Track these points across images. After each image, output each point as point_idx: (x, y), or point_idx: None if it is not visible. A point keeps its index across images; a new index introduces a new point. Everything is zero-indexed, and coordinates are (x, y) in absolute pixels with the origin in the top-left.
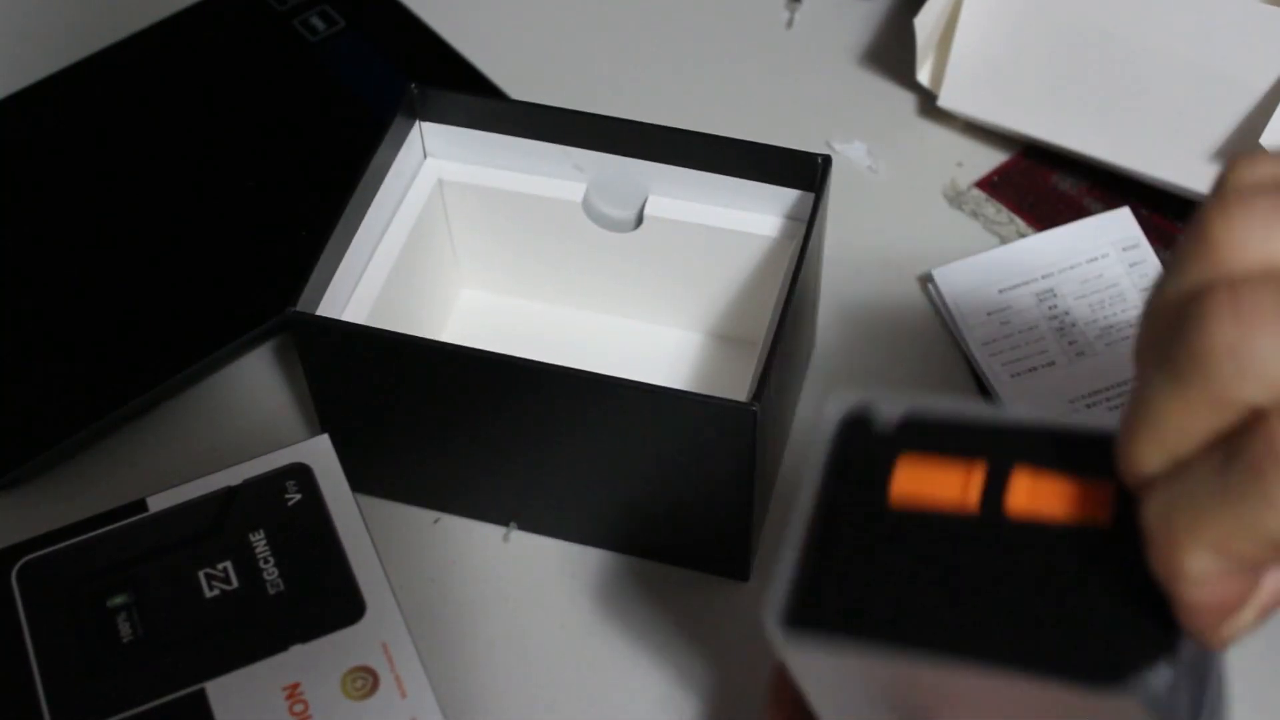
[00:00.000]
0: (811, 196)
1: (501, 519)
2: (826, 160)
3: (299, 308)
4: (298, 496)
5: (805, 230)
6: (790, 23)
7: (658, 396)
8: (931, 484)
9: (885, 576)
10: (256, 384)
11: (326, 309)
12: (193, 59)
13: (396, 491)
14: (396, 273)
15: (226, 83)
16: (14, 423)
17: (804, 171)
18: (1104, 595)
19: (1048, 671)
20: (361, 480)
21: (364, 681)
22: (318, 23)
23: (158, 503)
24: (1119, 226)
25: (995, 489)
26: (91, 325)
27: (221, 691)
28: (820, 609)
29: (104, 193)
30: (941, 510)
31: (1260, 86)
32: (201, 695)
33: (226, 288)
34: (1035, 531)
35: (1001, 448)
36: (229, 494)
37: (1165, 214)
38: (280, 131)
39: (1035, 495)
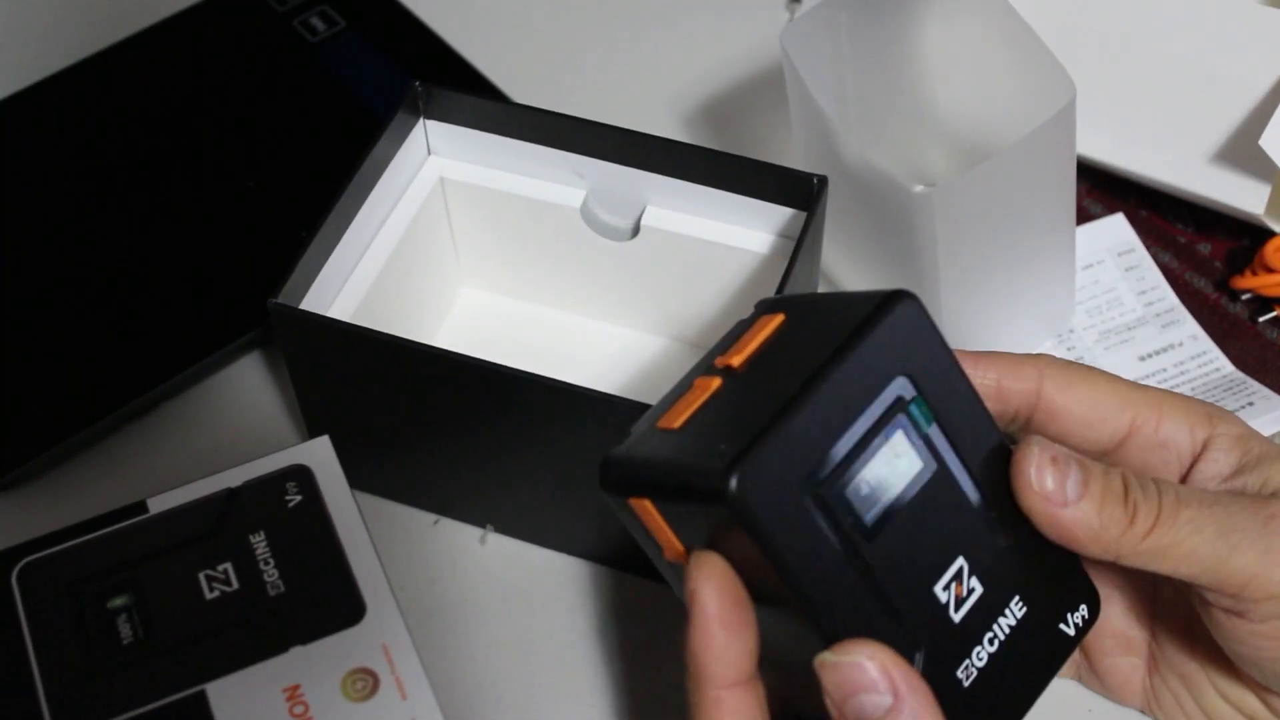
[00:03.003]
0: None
1: (478, 521)
2: (822, 180)
3: (281, 299)
4: (298, 498)
5: (794, 248)
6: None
7: (628, 410)
8: (685, 404)
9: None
10: (257, 384)
11: (314, 300)
12: (193, 60)
13: (377, 487)
14: (392, 268)
15: (227, 84)
16: (14, 423)
17: (799, 190)
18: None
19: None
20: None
21: (364, 683)
22: (318, 23)
23: (158, 504)
24: (1114, 232)
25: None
26: (92, 325)
27: (222, 693)
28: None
29: (104, 193)
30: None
31: (1260, 86)
32: (202, 697)
33: (226, 288)
34: (758, 362)
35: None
36: (229, 495)
37: (1164, 215)
38: (280, 132)
39: (742, 349)
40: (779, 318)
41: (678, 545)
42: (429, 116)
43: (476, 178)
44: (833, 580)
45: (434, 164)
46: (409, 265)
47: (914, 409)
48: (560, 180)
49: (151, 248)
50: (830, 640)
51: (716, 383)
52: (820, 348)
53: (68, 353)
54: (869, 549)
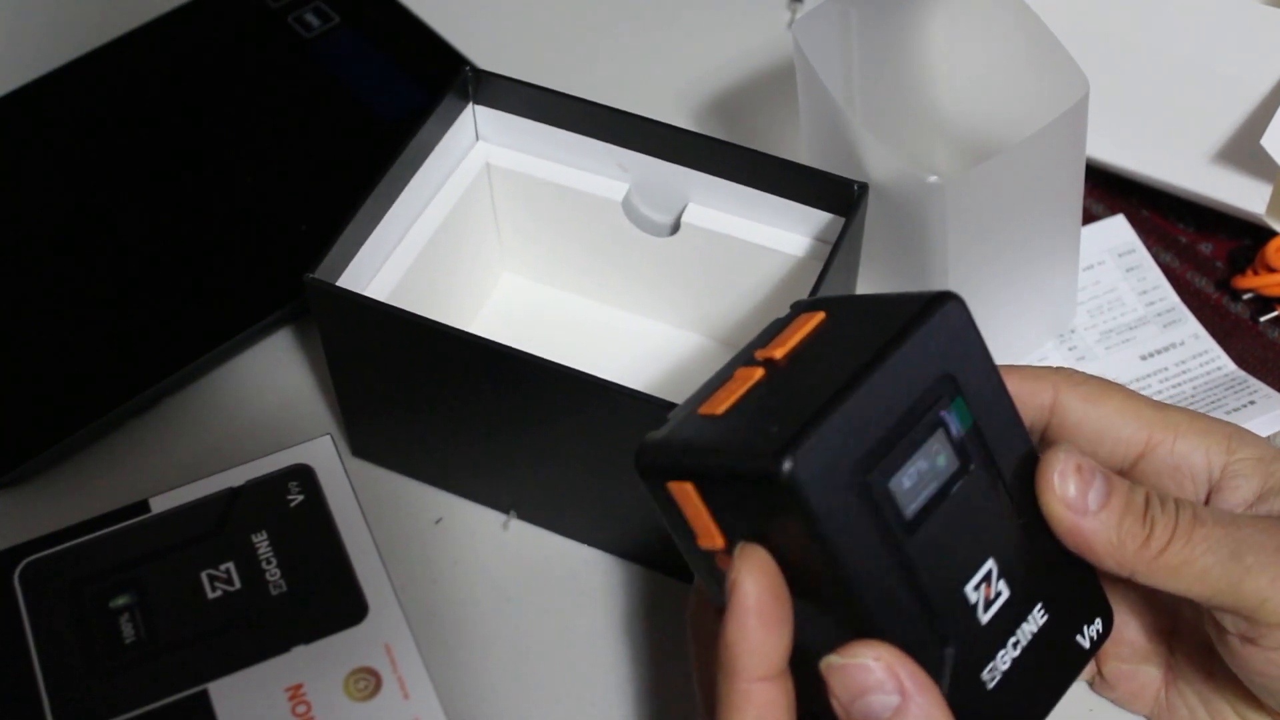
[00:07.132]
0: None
1: (501, 507)
2: (863, 187)
3: (317, 274)
4: (300, 497)
5: (829, 253)
6: (791, 24)
7: (655, 407)
8: (726, 392)
9: (713, 428)
10: (258, 380)
11: (351, 277)
12: (188, 56)
13: (401, 465)
14: (433, 249)
15: (222, 80)
16: (14, 421)
17: (839, 195)
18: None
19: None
20: (369, 449)
21: (367, 682)
22: (312, 19)
23: (160, 504)
24: (1115, 233)
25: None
26: (91, 323)
27: (224, 692)
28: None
29: (100, 190)
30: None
31: (1260, 86)
32: (204, 696)
33: (224, 283)
34: (801, 356)
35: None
36: (231, 495)
37: (1165, 215)
38: (277, 128)
39: (784, 343)
40: (819, 315)
41: (715, 532)
42: (478, 102)
43: (522, 165)
44: (876, 570)
45: (481, 149)
46: (451, 248)
47: (954, 409)
48: (604, 173)
49: (147, 244)
50: (871, 633)
51: (759, 373)
52: (866, 343)
53: (69, 349)
54: (908, 543)
